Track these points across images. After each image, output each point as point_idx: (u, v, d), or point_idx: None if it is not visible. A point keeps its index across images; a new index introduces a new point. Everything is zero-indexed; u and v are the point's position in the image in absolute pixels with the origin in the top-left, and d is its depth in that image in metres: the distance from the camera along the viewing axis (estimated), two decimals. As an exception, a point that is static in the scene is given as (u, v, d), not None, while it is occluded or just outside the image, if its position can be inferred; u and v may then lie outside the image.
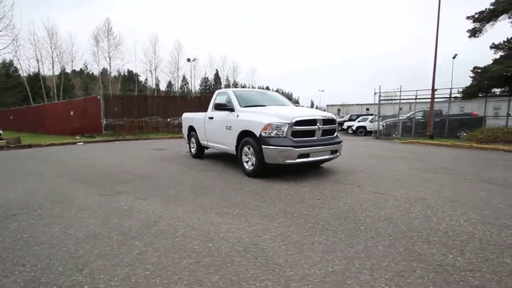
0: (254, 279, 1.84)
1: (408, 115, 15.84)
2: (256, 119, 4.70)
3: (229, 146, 5.51)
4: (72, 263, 2.07)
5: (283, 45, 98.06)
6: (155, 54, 48.35)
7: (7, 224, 2.86)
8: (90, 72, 53.34)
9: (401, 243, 2.34)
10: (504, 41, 9.98)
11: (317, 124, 4.65)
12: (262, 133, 4.49)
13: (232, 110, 5.40)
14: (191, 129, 7.45)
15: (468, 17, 10.74)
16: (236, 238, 2.47)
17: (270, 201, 3.50)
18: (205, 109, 6.62)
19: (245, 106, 5.32)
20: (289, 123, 4.38)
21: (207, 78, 66.67)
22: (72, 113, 17.10)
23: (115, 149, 9.97)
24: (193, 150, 7.46)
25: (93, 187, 4.41)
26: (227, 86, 68.37)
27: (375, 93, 14.90)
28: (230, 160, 6.91)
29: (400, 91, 14.14)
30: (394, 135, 15.50)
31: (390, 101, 16.10)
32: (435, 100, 13.57)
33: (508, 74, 8.97)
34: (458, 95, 12.92)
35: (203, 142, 6.80)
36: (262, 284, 1.79)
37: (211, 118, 6.16)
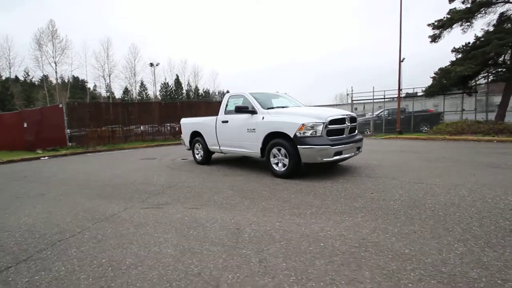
0: (403, 270, 1.87)
1: (376, 113, 17.21)
2: (288, 120, 4.71)
3: (252, 149, 5.43)
4: (207, 281, 1.87)
5: (244, 47, 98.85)
6: (108, 59, 45.20)
7: (65, 251, 2.46)
8: (33, 80, 47.57)
9: (487, 222, 2.58)
10: (462, 45, 11.54)
11: (346, 123, 4.85)
12: (298, 134, 4.52)
13: (254, 112, 5.34)
14: (195, 134, 7.14)
15: (428, 25, 12.19)
16: (339, 235, 2.47)
17: (330, 199, 3.55)
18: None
19: (268, 108, 5.31)
20: (324, 123, 4.48)
21: (167, 83, 64.12)
22: (25, 125, 15.09)
23: (98, 162, 9.07)
24: (198, 156, 7.15)
25: (123, 201, 3.98)
26: (189, 91, 66.73)
27: (347, 94, 15.89)
28: (239, 163, 6.81)
29: (373, 92, 15.33)
30: (365, 132, 16.70)
31: (361, 101, 17.28)
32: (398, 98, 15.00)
33: (470, 73, 10.43)
34: (421, 93, 14.46)
35: (213, 147, 6.58)
36: (423, 271, 1.83)
37: (225, 121, 6.00)
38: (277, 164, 4.97)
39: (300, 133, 4.50)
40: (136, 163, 8.19)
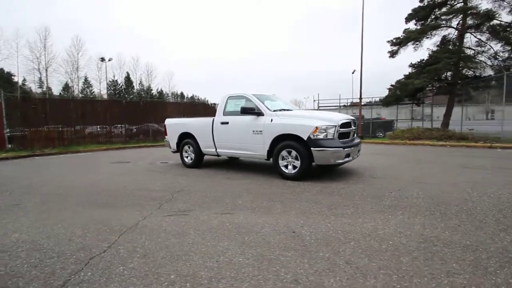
0: (481, 259, 2.03)
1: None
2: (301, 122, 4.75)
3: (257, 151, 5.33)
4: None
5: (201, 47, 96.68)
6: (46, 50, 39.89)
7: (112, 270, 2.07)
8: None
9: (507, 213, 2.95)
10: (418, 62, 13.15)
11: (352, 126, 5.10)
12: (311, 136, 4.59)
13: (260, 114, 5.25)
14: (185, 136, 6.73)
15: (388, 41, 13.66)
16: (397, 232, 2.56)
17: (357, 199, 3.66)
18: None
19: (274, 111, 5.28)
20: (336, 126, 4.64)
21: (116, 81, 59.19)
22: None
23: (59, 166, 7.89)
24: (187, 159, 6.73)
25: (133, 209, 3.52)
26: (141, 90, 62.60)
27: (314, 100, 16.74)
28: (229, 165, 6.63)
29: (340, 99, 16.42)
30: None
31: (326, 107, 18.33)
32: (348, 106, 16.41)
33: (425, 86, 11.97)
34: (376, 102, 15.99)
35: (208, 150, 6.27)
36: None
37: (225, 123, 5.78)
38: (286, 166, 4.96)
39: (313, 136, 4.58)
40: (110, 167, 7.35)
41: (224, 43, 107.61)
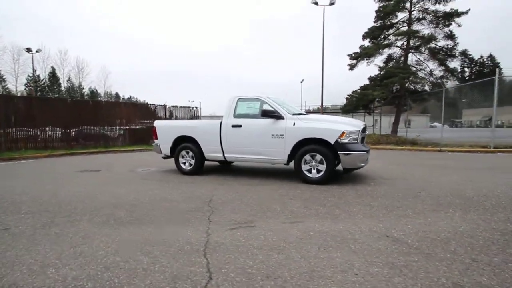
0: None
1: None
2: (328, 126, 4.80)
3: (276, 156, 5.17)
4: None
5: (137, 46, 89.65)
6: None
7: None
8: None
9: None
10: (375, 75, 14.75)
11: (366, 131, 5.38)
12: (339, 140, 4.68)
13: (280, 117, 5.13)
14: (182, 140, 6.12)
15: (348, 55, 15.02)
16: (478, 229, 2.77)
17: (401, 200, 3.86)
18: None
19: (293, 114, 5.22)
20: (359, 130, 4.84)
21: (38, 76, 50.63)
22: None
23: (10, 177, 6.33)
24: (184, 165, 6.12)
25: (186, 225, 3.02)
26: (70, 89, 54.91)
27: (301, 106, 17.26)
28: (228, 171, 6.31)
29: (305, 106, 17.18)
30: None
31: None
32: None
33: (386, 97, 13.53)
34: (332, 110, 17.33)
35: (213, 155, 5.82)
36: None
37: (237, 126, 5.45)
38: (309, 171, 4.94)
39: (341, 140, 4.68)
40: (83, 177, 6.22)
41: (165, 47, 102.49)
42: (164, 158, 6.67)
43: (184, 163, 6.16)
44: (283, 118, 5.12)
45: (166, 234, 2.79)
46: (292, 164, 5.16)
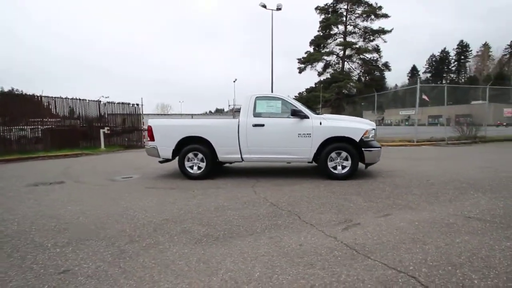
0: None
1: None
2: (353, 125, 5.15)
3: (302, 154, 5.23)
4: None
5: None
6: None
7: None
8: None
9: None
10: (326, 78, 16.23)
11: (372, 130, 6.01)
12: (363, 138, 5.10)
13: (305, 117, 5.20)
14: (189, 141, 5.47)
15: (297, 59, 16.10)
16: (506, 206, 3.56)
17: (428, 188, 4.51)
18: None
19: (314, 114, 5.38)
20: (375, 129, 5.38)
21: None
22: None
23: None
24: (192, 169, 5.49)
25: (292, 233, 2.81)
26: None
27: (229, 106, 17.09)
28: (235, 172, 6.04)
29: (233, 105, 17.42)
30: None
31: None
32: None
33: (335, 99, 15.05)
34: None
35: (228, 156, 5.43)
36: None
37: (259, 125, 5.24)
38: (334, 167, 5.20)
39: (365, 138, 5.12)
40: (42, 193, 4.85)
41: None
42: (161, 162, 5.79)
43: (191, 167, 5.51)
44: (309, 118, 5.23)
45: (284, 242, 2.55)
46: (291, 162, 5.47)
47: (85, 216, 3.40)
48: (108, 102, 14.96)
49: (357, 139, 5.11)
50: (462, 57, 71.18)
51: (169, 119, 6.06)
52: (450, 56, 73.33)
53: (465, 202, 3.68)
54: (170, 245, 2.56)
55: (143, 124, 16.40)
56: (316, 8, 16.57)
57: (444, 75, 72.41)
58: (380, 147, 5.36)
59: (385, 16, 16.24)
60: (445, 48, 73.62)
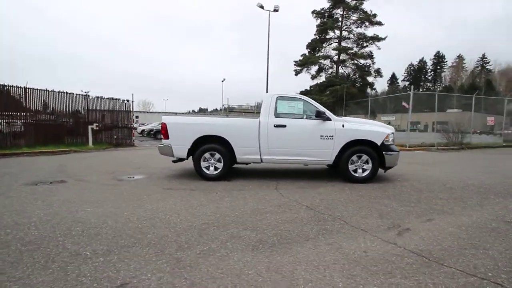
0: None
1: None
2: (375, 129, 5.15)
3: (323, 157, 5.16)
4: None
5: None
6: None
7: None
8: None
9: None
10: (322, 81, 16.34)
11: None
12: (384, 142, 5.12)
13: (328, 119, 5.14)
14: (206, 140, 5.23)
15: (294, 61, 16.15)
16: (537, 210, 3.68)
17: (449, 192, 4.60)
18: None
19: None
20: (393, 133, 5.43)
21: None
22: None
23: None
24: (209, 170, 5.25)
25: (344, 239, 2.70)
26: None
27: (223, 105, 16.84)
28: (247, 174, 5.89)
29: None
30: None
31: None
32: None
33: (333, 101, 15.22)
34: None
35: (246, 157, 5.26)
36: None
37: (281, 126, 5.11)
38: (354, 170, 5.18)
39: (386, 141, 5.14)
40: (44, 193, 4.45)
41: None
42: (174, 161, 5.51)
43: (208, 167, 5.28)
44: (331, 120, 5.18)
45: (346, 249, 2.44)
46: (309, 164, 5.42)
47: (113, 220, 3.11)
48: (97, 97, 14.17)
49: (379, 143, 5.12)
50: (438, 67, 75.05)
51: (185, 116, 5.73)
52: (427, 65, 77.08)
53: (495, 207, 3.76)
54: (227, 252, 2.37)
55: (133, 122, 15.78)
56: (313, 12, 16.79)
57: (421, 83, 75.94)
58: (399, 151, 5.41)
59: (379, 23, 16.85)
60: (423, 58, 77.26)
